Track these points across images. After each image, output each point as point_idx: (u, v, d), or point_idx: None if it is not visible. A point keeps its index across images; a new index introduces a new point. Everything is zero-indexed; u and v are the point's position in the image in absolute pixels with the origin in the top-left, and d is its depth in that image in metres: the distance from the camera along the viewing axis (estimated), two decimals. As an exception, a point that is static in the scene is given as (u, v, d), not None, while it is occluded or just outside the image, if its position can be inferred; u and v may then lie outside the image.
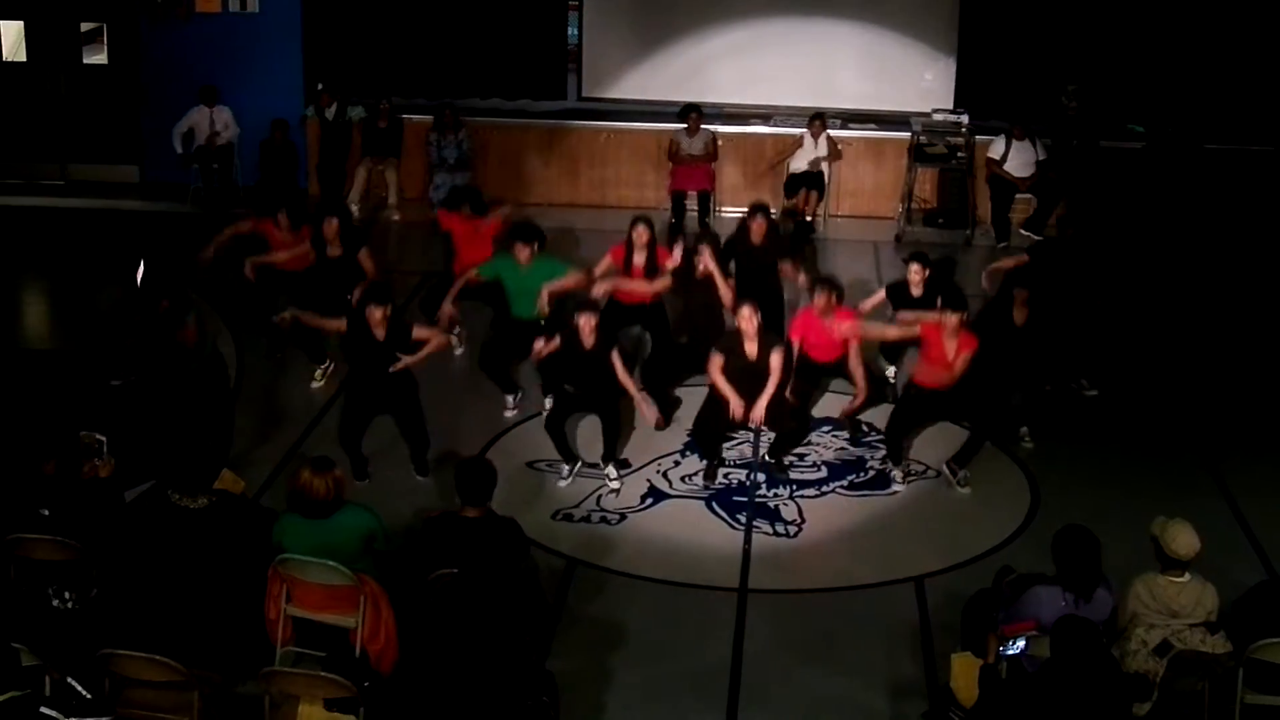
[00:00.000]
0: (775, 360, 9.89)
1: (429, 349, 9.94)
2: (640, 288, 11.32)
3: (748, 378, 9.91)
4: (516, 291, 11.13)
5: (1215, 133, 16.20)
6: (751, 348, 9.93)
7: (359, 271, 11.40)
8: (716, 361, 9.99)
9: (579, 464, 10.27)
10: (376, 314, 9.68)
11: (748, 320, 9.90)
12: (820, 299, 10.41)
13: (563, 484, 10.12)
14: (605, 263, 11.55)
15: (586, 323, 9.96)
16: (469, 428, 10.90)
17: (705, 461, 10.35)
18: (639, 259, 11.39)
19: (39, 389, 11.39)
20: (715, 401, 10.09)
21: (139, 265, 11.44)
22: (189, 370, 9.80)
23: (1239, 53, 16.33)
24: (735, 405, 9.90)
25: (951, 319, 9.78)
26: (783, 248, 12.22)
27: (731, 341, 10.06)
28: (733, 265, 11.85)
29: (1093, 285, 11.65)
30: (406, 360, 9.81)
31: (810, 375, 10.75)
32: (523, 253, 11.07)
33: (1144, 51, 16.47)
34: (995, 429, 10.38)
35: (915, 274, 10.95)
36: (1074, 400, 11.56)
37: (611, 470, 10.15)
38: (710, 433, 10.28)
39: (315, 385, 11.55)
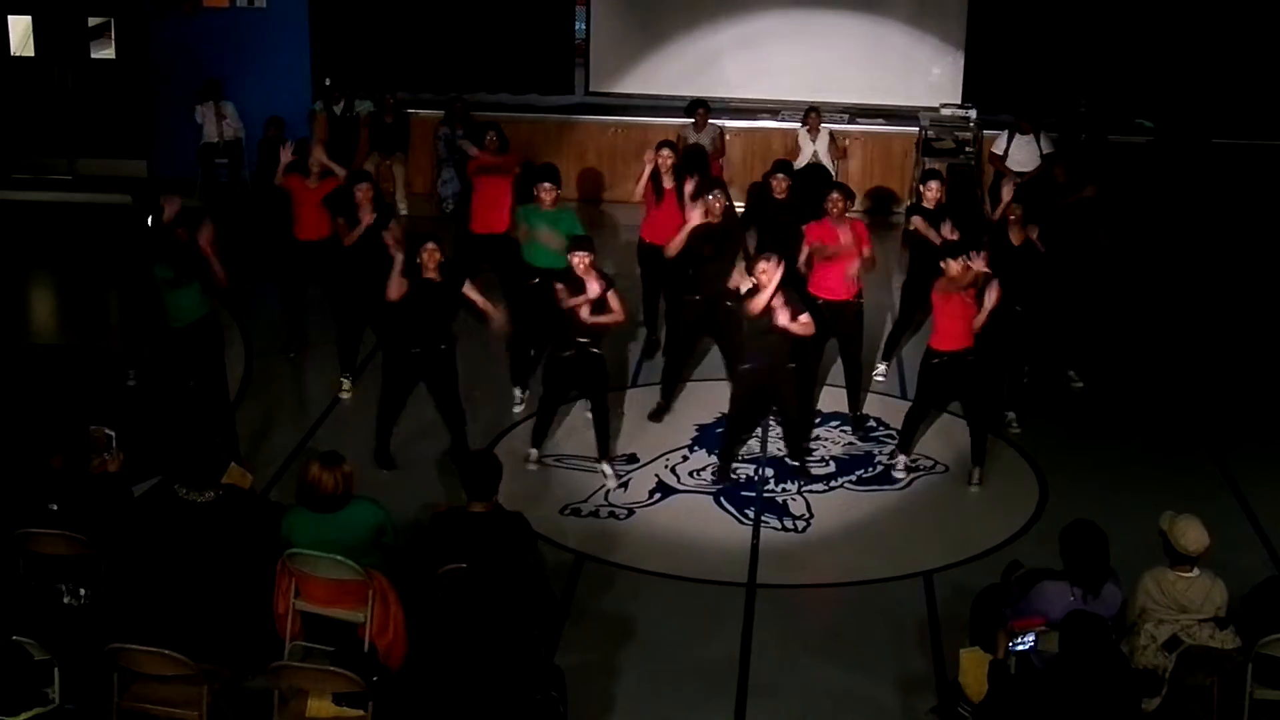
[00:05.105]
0: (804, 317, 9.63)
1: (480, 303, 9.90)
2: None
3: (762, 334, 9.65)
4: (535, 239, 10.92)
5: (1224, 127, 16.18)
6: (764, 300, 9.54)
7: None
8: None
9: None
10: (436, 255, 9.62)
11: (766, 274, 9.50)
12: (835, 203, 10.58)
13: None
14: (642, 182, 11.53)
15: (581, 261, 9.71)
16: (476, 422, 10.87)
17: (723, 457, 10.27)
18: (667, 183, 11.34)
19: (47, 384, 11.41)
20: (749, 389, 9.99)
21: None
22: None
23: (1248, 47, 16.31)
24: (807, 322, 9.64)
25: (978, 264, 9.61)
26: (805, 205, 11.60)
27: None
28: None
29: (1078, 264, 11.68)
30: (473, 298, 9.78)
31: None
32: (549, 195, 10.86)
33: (1153, 46, 16.45)
34: (990, 410, 10.34)
35: (931, 191, 11.29)
36: (1063, 393, 11.52)
37: (605, 466, 10.13)
38: (743, 420, 10.23)
39: (344, 395, 11.34)
